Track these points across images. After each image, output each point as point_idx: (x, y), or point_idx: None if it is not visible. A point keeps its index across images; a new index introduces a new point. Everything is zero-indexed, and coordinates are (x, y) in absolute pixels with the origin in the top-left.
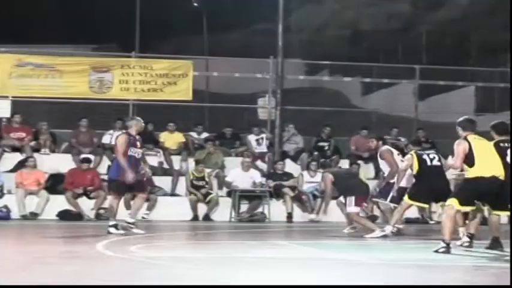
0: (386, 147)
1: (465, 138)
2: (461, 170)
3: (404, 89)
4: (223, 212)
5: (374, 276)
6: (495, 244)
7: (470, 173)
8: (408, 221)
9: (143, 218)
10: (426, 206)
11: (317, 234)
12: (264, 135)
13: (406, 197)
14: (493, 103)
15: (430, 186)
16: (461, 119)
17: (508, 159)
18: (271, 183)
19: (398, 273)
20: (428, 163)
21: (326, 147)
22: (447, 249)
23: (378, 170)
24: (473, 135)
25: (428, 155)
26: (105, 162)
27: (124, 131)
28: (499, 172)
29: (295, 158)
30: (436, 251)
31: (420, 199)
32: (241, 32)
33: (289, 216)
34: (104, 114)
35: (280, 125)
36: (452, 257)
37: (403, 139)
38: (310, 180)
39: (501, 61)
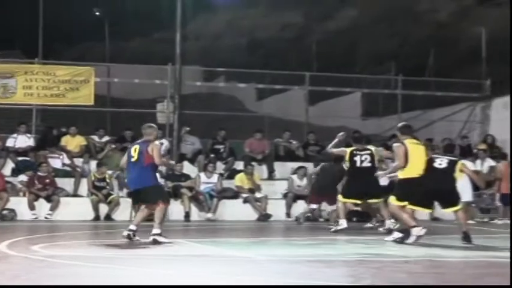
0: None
1: (403, 142)
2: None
3: (296, 95)
4: (124, 212)
5: (264, 271)
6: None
7: (403, 173)
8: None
9: (46, 218)
10: (359, 202)
11: (213, 232)
12: (163, 141)
13: (340, 196)
14: (378, 108)
15: (359, 185)
16: (400, 124)
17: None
18: (170, 184)
19: (288, 268)
20: (358, 164)
21: (222, 150)
22: (410, 237)
23: (270, 170)
24: (410, 140)
25: (361, 156)
26: (9, 165)
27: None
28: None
29: (192, 160)
30: (400, 241)
31: (352, 197)
32: (141, 40)
33: (187, 215)
34: (8, 118)
35: (178, 129)
36: (338, 252)
37: (294, 142)
38: (207, 181)
39: (385, 69)
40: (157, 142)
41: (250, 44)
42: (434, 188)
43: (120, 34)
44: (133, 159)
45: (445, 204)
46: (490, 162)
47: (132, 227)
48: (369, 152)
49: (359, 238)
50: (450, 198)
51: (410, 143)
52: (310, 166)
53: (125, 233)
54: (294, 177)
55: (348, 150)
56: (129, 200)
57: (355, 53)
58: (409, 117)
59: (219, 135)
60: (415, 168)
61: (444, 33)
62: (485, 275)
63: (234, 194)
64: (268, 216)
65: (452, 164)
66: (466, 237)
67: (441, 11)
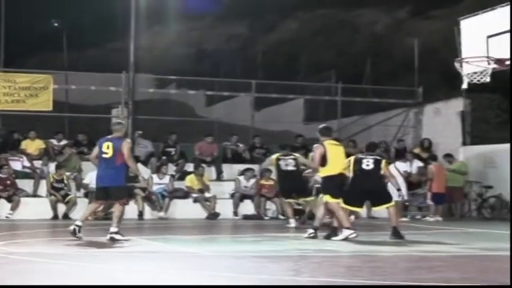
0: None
1: (322, 143)
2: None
3: (243, 101)
4: (81, 211)
5: (210, 266)
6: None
7: (323, 172)
8: (246, 217)
9: (7, 217)
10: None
11: (165, 230)
12: None
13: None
14: (319, 113)
15: (286, 186)
16: (320, 126)
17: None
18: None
19: (234, 263)
20: (283, 167)
21: (173, 153)
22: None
23: (219, 172)
24: (329, 141)
25: (285, 160)
26: None
27: (118, 136)
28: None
29: (145, 162)
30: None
31: (286, 196)
32: (97, 49)
33: (140, 214)
34: None
35: (132, 133)
36: (281, 248)
37: (241, 145)
38: (159, 182)
39: (325, 77)
40: (128, 140)
41: (199, 54)
42: (364, 189)
43: (77, 44)
44: (107, 156)
45: (376, 203)
46: (418, 164)
47: (113, 229)
48: (292, 157)
49: (302, 235)
50: (380, 196)
51: (329, 144)
52: (256, 168)
53: (72, 227)
54: (241, 178)
55: (274, 156)
56: (86, 200)
57: (298, 62)
58: (348, 122)
59: (171, 139)
60: (334, 166)
61: (380, 44)
62: (417, 268)
63: (185, 194)
64: (216, 214)
65: (378, 164)
66: (396, 233)
67: (377, 24)
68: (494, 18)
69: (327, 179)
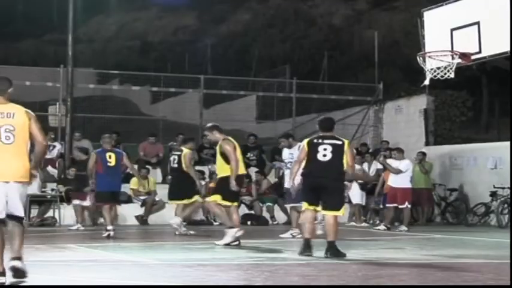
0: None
1: (230, 139)
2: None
3: (190, 98)
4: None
5: (154, 275)
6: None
7: (223, 171)
8: (194, 223)
9: None
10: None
11: (105, 237)
12: (55, 144)
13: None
14: (273, 111)
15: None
16: (207, 125)
17: (319, 155)
18: (62, 189)
19: (180, 272)
20: (171, 164)
21: None
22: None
23: (165, 174)
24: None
25: (173, 156)
26: None
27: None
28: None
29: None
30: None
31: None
32: (32, 41)
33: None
34: None
35: (70, 132)
36: (232, 256)
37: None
38: None
39: (279, 72)
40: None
41: (143, 47)
42: (315, 186)
43: (10, 35)
44: (111, 164)
45: (326, 206)
46: (377, 165)
47: (110, 227)
48: (178, 153)
49: (252, 241)
50: (333, 198)
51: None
52: (205, 169)
53: (105, 233)
54: None
55: None
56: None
57: (250, 56)
58: (304, 120)
59: (112, 139)
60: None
61: (338, 37)
62: (377, 276)
63: (128, 198)
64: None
65: (338, 151)
66: (333, 249)
67: (335, 15)
68: (459, 10)
69: (225, 180)
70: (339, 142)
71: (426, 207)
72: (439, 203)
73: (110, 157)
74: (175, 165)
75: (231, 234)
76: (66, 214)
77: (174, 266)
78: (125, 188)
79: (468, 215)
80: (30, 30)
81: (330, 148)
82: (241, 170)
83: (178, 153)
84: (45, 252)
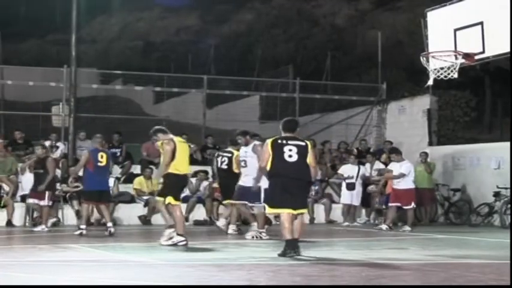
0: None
1: (172, 140)
2: None
3: (194, 98)
4: (19, 216)
5: (157, 275)
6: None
7: (172, 168)
8: (197, 223)
9: None
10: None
11: (108, 237)
12: (59, 144)
13: None
14: (276, 111)
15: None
16: (155, 127)
17: (286, 156)
18: (65, 188)
19: (183, 272)
20: (218, 165)
21: (118, 153)
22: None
23: None
24: (178, 138)
25: (222, 157)
26: None
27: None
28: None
29: None
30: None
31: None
32: (36, 41)
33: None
34: None
35: (73, 132)
36: (234, 256)
37: (192, 145)
38: None
39: (283, 73)
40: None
41: (146, 47)
42: (285, 187)
43: (13, 35)
44: (102, 164)
45: (297, 205)
46: (378, 165)
47: (110, 224)
48: (228, 155)
49: (254, 242)
50: (302, 198)
51: (178, 141)
52: (208, 169)
53: (109, 230)
54: (193, 180)
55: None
56: (24, 205)
57: (253, 57)
58: (307, 120)
59: (115, 139)
60: (181, 165)
61: (341, 37)
62: (380, 276)
63: (131, 198)
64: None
65: (303, 152)
66: (294, 246)
67: (338, 15)
68: (463, 10)
69: (173, 177)
70: (303, 143)
71: (429, 207)
72: (443, 203)
73: (101, 157)
74: (225, 167)
75: (175, 239)
76: (69, 214)
77: (177, 266)
78: (128, 188)
79: (471, 215)
80: (34, 31)
81: (295, 149)
82: (185, 170)
83: (229, 155)
84: (48, 252)
